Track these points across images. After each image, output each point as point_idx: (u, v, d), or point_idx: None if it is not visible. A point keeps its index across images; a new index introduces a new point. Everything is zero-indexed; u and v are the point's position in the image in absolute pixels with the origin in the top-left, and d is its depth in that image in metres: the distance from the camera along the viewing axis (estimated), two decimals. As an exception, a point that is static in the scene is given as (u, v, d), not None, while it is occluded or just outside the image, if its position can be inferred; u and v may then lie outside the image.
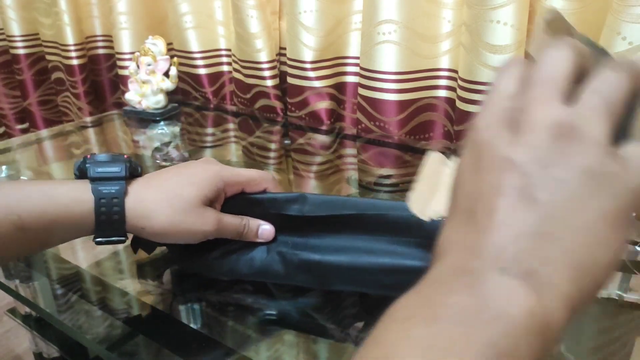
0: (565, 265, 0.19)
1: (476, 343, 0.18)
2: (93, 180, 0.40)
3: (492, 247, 0.20)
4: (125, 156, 0.43)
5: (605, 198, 0.20)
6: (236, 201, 0.46)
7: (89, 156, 0.42)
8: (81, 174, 0.41)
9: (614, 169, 0.20)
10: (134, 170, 0.43)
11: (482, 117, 0.24)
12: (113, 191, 0.39)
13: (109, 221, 0.39)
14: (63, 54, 1.24)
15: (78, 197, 0.39)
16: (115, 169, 0.40)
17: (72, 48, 1.22)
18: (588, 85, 0.22)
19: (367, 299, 0.46)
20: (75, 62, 1.23)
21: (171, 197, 0.41)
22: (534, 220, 0.20)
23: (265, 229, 0.46)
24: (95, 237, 0.41)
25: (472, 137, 0.24)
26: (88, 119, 1.12)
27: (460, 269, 0.21)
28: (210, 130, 0.99)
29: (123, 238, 0.41)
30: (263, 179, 0.46)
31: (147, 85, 0.98)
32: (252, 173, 0.46)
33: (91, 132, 0.97)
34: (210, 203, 0.43)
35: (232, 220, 0.44)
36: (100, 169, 0.40)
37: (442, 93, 0.86)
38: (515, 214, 0.20)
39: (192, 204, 0.41)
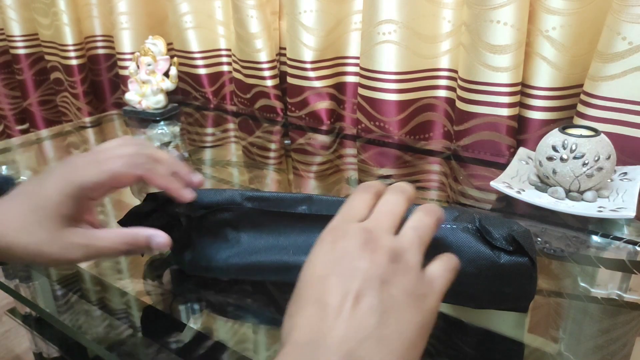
0: None
1: None
2: None
3: (345, 343, 0.26)
4: None
5: (417, 313, 0.28)
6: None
7: None
8: None
9: (423, 291, 0.29)
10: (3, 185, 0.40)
11: (339, 224, 0.32)
12: None
13: None
14: (62, 54, 1.24)
15: None
16: None
17: (71, 48, 1.22)
18: (408, 222, 0.32)
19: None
20: (74, 62, 1.23)
21: (28, 224, 0.36)
22: (376, 325, 0.26)
23: (159, 240, 0.40)
24: None
25: (330, 239, 0.31)
26: (88, 119, 1.12)
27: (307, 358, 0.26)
28: (210, 130, 0.99)
29: None
30: (128, 170, 0.39)
31: (147, 85, 0.98)
32: (113, 167, 0.38)
33: (91, 132, 0.97)
34: (74, 217, 0.38)
35: (109, 244, 0.38)
36: None
37: (442, 93, 0.86)
38: (359, 316, 0.26)
39: (51, 230, 0.36)
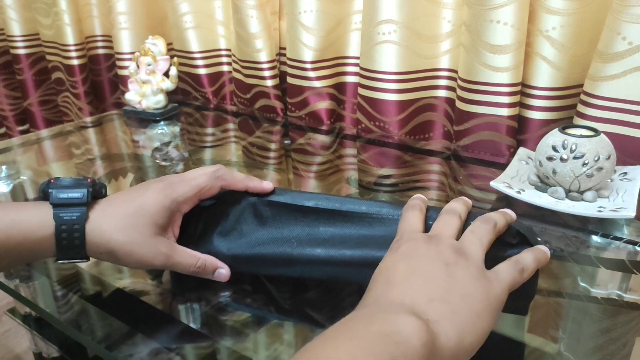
0: (453, 325, 0.28)
1: (384, 355, 0.25)
2: (55, 205, 0.40)
3: (408, 299, 0.29)
4: (89, 180, 0.43)
5: (482, 291, 0.31)
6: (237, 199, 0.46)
7: (52, 180, 0.42)
8: (45, 196, 0.42)
9: (487, 278, 0.32)
10: (97, 193, 0.44)
11: (403, 235, 0.37)
12: (74, 217, 0.40)
13: (70, 245, 0.40)
14: (63, 54, 1.24)
15: (41, 222, 0.40)
16: (77, 195, 0.41)
17: (72, 48, 1.22)
18: (467, 229, 0.37)
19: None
20: (75, 62, 1.23)
21: (126, 226, 0.41)
22: (441, 291, 0.30)
23: (222, 273, 0.45)
24: (57, 259, 0.42)
25: (396, 246, 0.35)
26: (88, 119, 1.12)
27: (381, 310, 0.29)
28: (210, 130, 0.99)
29: (84, 260, 0.42)
30: (213, 183, 0.45)
31: (147, 85, 0.98)
32: (200, 181, 0.45)
33: (91, 132, 0.97)
34: (164, 228, 0.43)
35: (185, 260, 0.44)
36: (62, 195, 0.41)
37: (442, 93, 0.86)
38: (426, 285, 0.31)
39: (144, 235, 0.41)
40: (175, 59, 1.00)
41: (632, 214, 0.53)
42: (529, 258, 0.35)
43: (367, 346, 0.25)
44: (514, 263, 0.34)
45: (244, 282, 0.47)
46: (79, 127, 1.00)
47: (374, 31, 0.81)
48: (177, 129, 0.96)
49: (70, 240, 0.40)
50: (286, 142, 0.90)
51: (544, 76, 0.72)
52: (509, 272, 0.33)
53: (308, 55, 0.91)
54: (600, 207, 0.56)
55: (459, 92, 0.79)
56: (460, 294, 0.30)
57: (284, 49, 0.98)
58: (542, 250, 0.36)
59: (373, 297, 0.31)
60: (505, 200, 0.63)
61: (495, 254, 0.37)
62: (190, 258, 0.44)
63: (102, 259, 0.43)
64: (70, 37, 1.21)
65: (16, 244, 0.39)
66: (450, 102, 0.85)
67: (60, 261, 0.41)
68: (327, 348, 0.26)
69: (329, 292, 0.46)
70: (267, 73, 1.00)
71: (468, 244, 0.34)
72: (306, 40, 0.90)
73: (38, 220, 0.40)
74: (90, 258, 0.43)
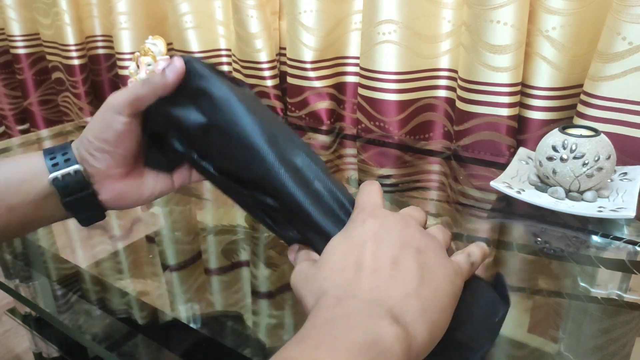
0: (426, 323, 0.28)
1: None
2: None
3: (386, 297, 0.28)
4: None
5: (450, 284, 0.30)
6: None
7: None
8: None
9: (453, 267, 0.31)
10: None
11: (366, 208, 0.34)
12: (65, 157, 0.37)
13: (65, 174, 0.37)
14: (63, 54, 1.24)
15: (32, 163, 0.37)
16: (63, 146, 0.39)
17: (72, 48, 1.22)
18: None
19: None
20: (75, 62, 1.23)
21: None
22: (415, 284, 0.29)
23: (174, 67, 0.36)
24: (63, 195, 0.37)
25: (361, 217, 0.33)
26: (88, 119, 1.12)
27: (361, 310, 0.28)
28: (210, 130, 0.99)
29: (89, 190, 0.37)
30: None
31: (147, 85, 0.98)
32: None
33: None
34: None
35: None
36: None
37: (442, 93, 0.86)
38: (399, 276, 0.29)
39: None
40: (175, 59, 1.00)
41: (632, 214, 0.53)
42: (477, 253, 0.34)
43: (351, 357, 0.25)
44: (467, 256, 0.33)
45: (244, 281, 0.47)
46: (79, 127, 1.00)
47: (374, 31, 0.81)
48: (177, 129, 0.96)
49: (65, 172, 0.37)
50: (286, 142, 0.90)
51: (544, 76, 0.72)
52: (465, 263, 0.33)
53: (308, 55, 0.91)
54: (600, 207, 0.56)
55: (459, 92, 0.79)
56: (432, 287, 0.29)
57: (284, 49, 0.98)
58: (485, 247, 0.35)
59: (345, 281, 0.29)
60: (505, 200, 0.63)
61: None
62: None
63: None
64: (70, 37, 1.20)
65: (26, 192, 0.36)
66: (450, 102, 0.85)
67: (66, 201, 0.37)
68: (308, 358, 0.25)
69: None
70: (267, 73, 1.00)
71: (436, 231, 0.34)
72: (306, 40, 0.90)
73: (29, 162, 0.37)
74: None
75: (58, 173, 0.36)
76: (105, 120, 0.36)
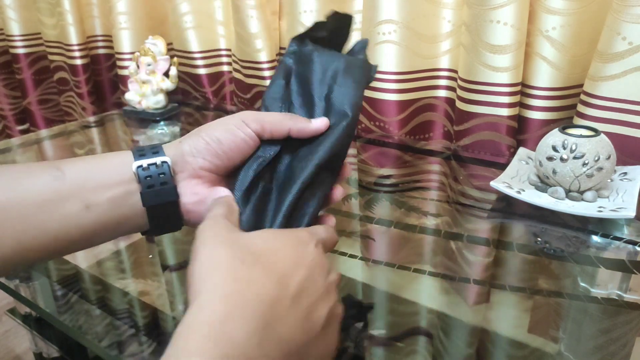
0: None
1: None
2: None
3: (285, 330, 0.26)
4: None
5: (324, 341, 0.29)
6: None
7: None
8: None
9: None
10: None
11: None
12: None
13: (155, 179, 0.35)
14: (67, 53, 1.24)
15: (121, 161, 0.35)
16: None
17: (75, 48, 1.22)
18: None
19: (365, 301, 0.46)
20: (79, 61, 1.23)
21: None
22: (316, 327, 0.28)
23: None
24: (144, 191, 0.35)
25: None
26: (91, 118, 1.12)
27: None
28: (210, 130, 0.99)
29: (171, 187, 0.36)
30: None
31: (147, 85, 0.98)
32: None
33: (91, 132, 0.97)
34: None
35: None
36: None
37: (442, 93, 0.86)
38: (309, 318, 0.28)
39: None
40: (175, 59, 1.00)
41: (632, 214, 0.53)
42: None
43: None
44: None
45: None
46: (79, 127, 1.00)
47: (374, 31, 0.81)
48: (177, 129, 0.96)
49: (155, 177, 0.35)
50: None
51: (544, 76, 0.72)
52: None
53: (308, 55, 0.91)
54: (600, 207, 0.56)
55: (459, 92, 0.79)
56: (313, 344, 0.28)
57: (284, 49, 0.98)
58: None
59: (212, 324, 0.25)
60: (505, 200, 0.63)
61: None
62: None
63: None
64: (73, 37, 1.21)
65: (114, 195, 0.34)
66: (450, 102, 0.85)
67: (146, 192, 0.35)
68: None
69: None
70: (267, 73, 1.00)
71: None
72: (306, 40, 0.90)
73: (118, 160, 0.36)
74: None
75: (144, 161, 0.35)
76: (228, 125, 0.36)
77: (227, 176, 0.38)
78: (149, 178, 0.34)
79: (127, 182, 0.34)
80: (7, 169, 0.33)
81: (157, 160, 0.35)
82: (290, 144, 0.38)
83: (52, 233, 0.32)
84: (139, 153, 0.35)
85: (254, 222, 0.35)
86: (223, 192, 0.36)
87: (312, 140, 0.38)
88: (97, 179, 0.34)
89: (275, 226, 0.35)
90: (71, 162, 0.34)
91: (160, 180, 0.35)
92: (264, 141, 0.37)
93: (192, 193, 0.36)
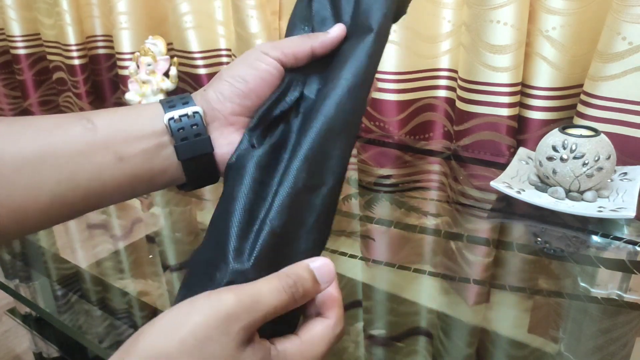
0: None
1: None
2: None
3: None
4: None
5: None
6: None
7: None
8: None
9: None
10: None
11: None
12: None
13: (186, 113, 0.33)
14: (65, 54, 1.24)
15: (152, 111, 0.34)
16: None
17: (73, 48, 1.22)
18: None
19: (364, 303, 0.46)
20: (76, 62, 1.23)
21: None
22: None
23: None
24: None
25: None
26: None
27: None
28: (210, 130, 0.99)
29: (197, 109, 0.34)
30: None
31: (147, 85, 0.98)
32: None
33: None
34: None
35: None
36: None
37: (442, 93, 0.86)
38: None
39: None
40: (175, 59, 1.00)
41: (632, 214, 0.53)
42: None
43: None
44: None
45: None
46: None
47: (374, 31, 0.81)
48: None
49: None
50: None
51: (544, 76, 0.72)
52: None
53: (308, 55, 0.91)
54: (600, 207, 0.56)
55: (459, 92, 0.79)
56: None
57: (284, 49, 0.98)
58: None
59: None
60: (505, 200, 0.63)
61: None
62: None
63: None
64: (71, 37, 1.21)
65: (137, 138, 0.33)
66: (450, 102, 0.85)
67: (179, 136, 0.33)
68: None
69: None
70: (267, 73, 1.00)
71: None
72: (306, 40, 0.90)
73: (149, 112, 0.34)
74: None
75: (175, 112, 0.33)
76: (248, 59, 0.34)
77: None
78: (181, 130, 0.33)
79: (160, 134, 0.33)
80: (36, 120, 0.32)
81: (189, 110, 0.33)
82: (313, 76, 0.35)
83: (85, 185, 0.31)
84: (169, 104, 0.34)
85: (268, 160, 0.32)
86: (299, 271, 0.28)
87: (334, 68, 0.34)
88: (128, 130, 0.33)
89: (294, 165, 0.30)
90: (102, 114, 0.33)
91: (194, 132, 0.33)
92: (288, 72, 0.35)
93: (227, 143, 0.34)
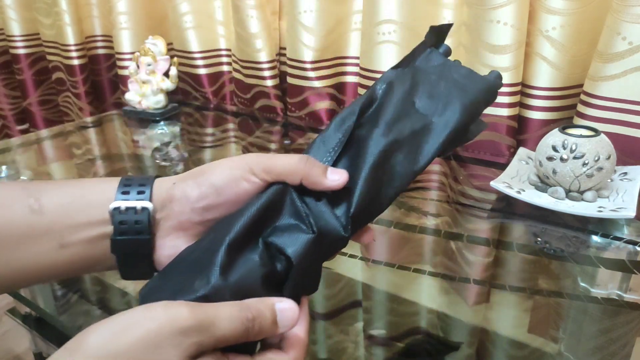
0: None
1: None
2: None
3: None
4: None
5: None
6: None
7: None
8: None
9: None
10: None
11: None
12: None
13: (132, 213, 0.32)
14: (64, 54, 1.24)
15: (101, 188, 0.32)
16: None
17: (72, 48, 1.22)
18: None
19: (364, 303, 0.46)
20: (75, 62, 1.23)
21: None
22: None
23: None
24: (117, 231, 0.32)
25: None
26: (88, 119, 1.12)
27: None
28: (210, 130, 0.99)
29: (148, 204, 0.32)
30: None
31: (147, 85, 0.98)
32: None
33: (91, 133, 0.97)
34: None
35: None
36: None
37: (442, 93, 0.86)
38: None
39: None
40: (175, 59, 1.00)
41: (632, 214, 0.53)
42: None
43: None
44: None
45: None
46: (79, 127, 1.00)
47: (374, 31, 0.81)
48: (177, 129, 0.96)
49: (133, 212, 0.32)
50: (286, 142, 0.90)
51: (544, 76, 0.72)
52: None
53: (308, 55, 0.91)
54: (600, 207, 0.56)
55: (459, 92, 0.79)
56: None
57: (284, 49, 0.98)
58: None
59: None
60: (505, 200, 0.63)
61: None
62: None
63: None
64: (70, 37, 1.21)
65: (70, 203, 0.32)
66: (450, 102, 0.85)
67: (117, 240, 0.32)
68: None
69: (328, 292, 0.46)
70: (267, 73, 1.00)
71: None
72: (306, 40, 0.90)
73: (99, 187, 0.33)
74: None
75: (123, 203, 0.31)
76: (233, 172, 0.32)
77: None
78: (123, 225, 0.31)
79: (104, 223, 0.31)
80: None
81: (138, 204, 0.31)
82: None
83: (22, 267, 0.31)
84: (123, 190, 0.32)
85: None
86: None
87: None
88: (74, 217, 0.31)
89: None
90: (51, 192, 0.32)
91: (135, 229, 0.31)
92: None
93: (170, 246, 0.32)
